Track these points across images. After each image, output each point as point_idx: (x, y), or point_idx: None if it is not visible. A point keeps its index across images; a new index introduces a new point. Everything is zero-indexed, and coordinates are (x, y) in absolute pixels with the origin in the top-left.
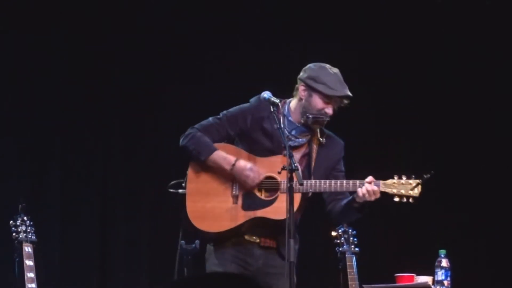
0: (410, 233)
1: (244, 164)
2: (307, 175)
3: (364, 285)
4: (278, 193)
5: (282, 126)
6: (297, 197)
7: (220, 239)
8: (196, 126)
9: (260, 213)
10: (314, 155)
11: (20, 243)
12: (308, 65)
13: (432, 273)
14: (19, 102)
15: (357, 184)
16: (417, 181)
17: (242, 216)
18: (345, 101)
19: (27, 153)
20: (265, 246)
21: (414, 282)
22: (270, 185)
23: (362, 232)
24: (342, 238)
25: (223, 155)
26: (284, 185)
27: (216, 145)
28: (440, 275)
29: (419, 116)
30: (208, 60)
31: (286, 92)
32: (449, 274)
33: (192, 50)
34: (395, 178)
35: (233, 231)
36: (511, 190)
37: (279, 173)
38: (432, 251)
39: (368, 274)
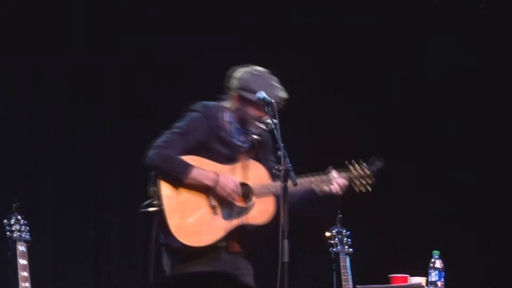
0: (404, 234)
1: (226, 181)
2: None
3: (357, 286)
4: (253, 198)
5: (278, 125)
6: (271, 201)
7: (197, 251)
8: (159, 143)
9: (241, 220)
10: (260, 154)
11: (14, 242)
12: (237, 71)
13: (425, 274)
14: (12, 102)
15: (320, 178)
16: (371, 167)
17: (225, 227)
18: (282, 103)
19: (21, 152)
20: (233, 252)
21: (408, 283)
22: (244, 191)
23: (356, 232)
24: (336, 239)
25: (202, 172)
26: (257, 189)
27: (186, 157)
28: (433, 276)
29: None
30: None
31: None
32: (442, 275)
33: (181, 53)
34: (352, 167)
35: (218, 242)
36: (505, 191)
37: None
38: (425, 252)
39: (362, 275)
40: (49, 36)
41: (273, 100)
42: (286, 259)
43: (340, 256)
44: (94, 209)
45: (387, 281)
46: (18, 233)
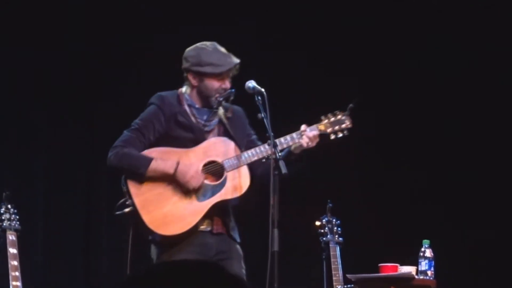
0: (394, 223)
1: (185, 168)
2: (238, 147)
3: (348, 275)
4: (225, 173)
5: (267, 115)
6: (245, 172)
7: (179, 238)
8: (117, 144)
9: (217, 197)
10: (229, 128)
11: (4, 231)
12: (186, 52)
13: (415, 263)
14: (3, 92)
15: (295, 136)
16: (345, 112)
17: (202, 207)
18: (237, 68)
19: (12, 141)
20: (217, 233)
21: (398, 272)
22: (213, 169)
23: (346, 222)
24: (326, 228)
25: (161, 162)
26: (227, 164)
27: (147, 151)
28: (423, 265)
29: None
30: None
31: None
32: (432, 264)
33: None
34: (324, 118)
35: (198, 225)
36: (495, 181)
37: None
38: (415, 241)
39: (352, 264)
40: (47, 35)
41: (263, 90)
42: (276, 248)
43: (330, 245)
44: (85, 198)
45: (377, 270)
46: (8, 222)
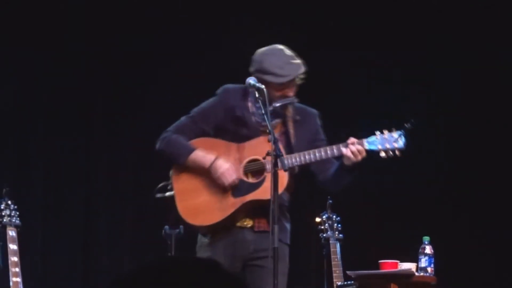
0: (394, 220)
1: (220, 163)
2: (288, 152)
3: (348, 272)
4: (265, 173)
5: (268, 111)
6: (284, 175)
7: (215, 231)
8: (169, 128)
9: (250, 196)
10: (292, 131)
11: (4, 227)
12: (256, 53)
13: (415, 259)
14: (3, 90)
15: (340, 147)
16: (399, 132)
17: (234, 203)
18: (301, 77)
19: (11, 137)
20: (259, 231)
21: (398, 269)
22: (255, 168)
23: (346, 218)
24: (326, 224)
25: (202, 154)
26: (268, 164)
27: (193, 141)
28: (423, 262)
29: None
30: (198, 55)
31: None
32: (432, 261)
33: (181, 44)
34: (377, 133)
35: (227, 220)
36: (495, 177)
37: (264, 158)
38: (415, 238)
39: (352, 261)
40: (47, 35)
41: (262, 86)
42: (276, 244)
43: (330, 242)
44: (84, 194)
45: (377, 266)
46: (8, 218)
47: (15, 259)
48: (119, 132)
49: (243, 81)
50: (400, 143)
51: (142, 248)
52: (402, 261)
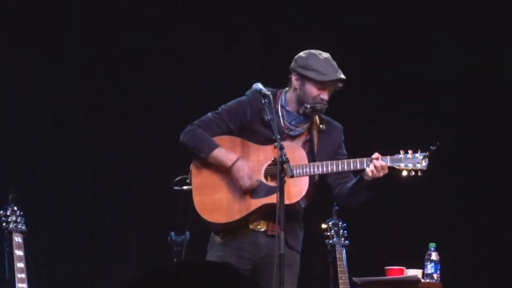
0: (400, 227)
1: (241, 165)
2: (311, 160)
3: (354, 278)
4: (285, 178)
5: (274, 117)
6: (304, 181)
7: (228, 230)
8: (195, 122)
9: (268, 199)
10: (315, 140)
11: (10, 233)
12: (299, 54)
13: (421, 266)
14: (6, 93)
15: (364, 161)
16: (424, 153)
17: (251, 205)
18: (340, 85)
19: (17, 143)
20: (272, 235)
21: (404, 275)
22: (275, 171)
23: (352, 225)
24: (332, 231)
25: (224, 152)
26: (289, 169)
27: (218, 138)
28: (429, 268)
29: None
30: (198, 54)
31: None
32: (438, 268)
33: (181, 44)
34: (401, 152)
35: (242, 221)
36: (500, 184)
37: (270, 165)
38: (422, 245)
39: (358, 267)
40: (47, 35)
41: (269, 93)
42: (282, 251)
43: (336, 248)
44: (89, 200)
45: (383, 273)
46: (14, 224)
47: (21, 265)
48: (120, 133)
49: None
50: (424, 164)
51: (148, 252)
52: (408, 267)
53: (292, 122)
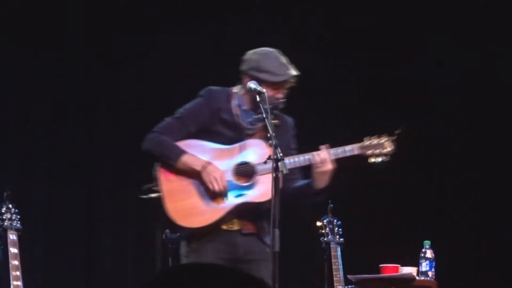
0: (395, 224)
1: (212, 169)
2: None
3: (348, 276)
4: (256, 176)
5: (268, 115)
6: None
7: (203, 233)
8: (156, 129)
9: (241, 199)
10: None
11: (5, 230)
12: (247, 54)
13: (416, 264)
14: (5, 91)
15: (307, 156)
16: (390, 137)
17: (225, 206)
18: (293, 81)
19: (13, 140)
20: (247, 233)
21: (399, 273)
22: (245, 170)
23: (347, 222)
24: (327, 229)
25: (193, 157)
26: (258, 167)
27: (182, 142)
28: (424, 266)
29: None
30: (198, 54)
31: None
32: (433, 265)
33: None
34: (366, 139)
35: (217, 223)
36: (495, 181)
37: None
38: (416, 242)
39: (353, 265)
40: (47, 35)
41: (264, 90)
42: (277, 249)
43: (331, 246)
44: (86, 198)
45: (378, 271)
46: (9, 222)
47: (16, 262)
48: (119, 132)
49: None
50: (389, 148)
51: (145, 250)
52: (403, 265)
53: (250, 120)
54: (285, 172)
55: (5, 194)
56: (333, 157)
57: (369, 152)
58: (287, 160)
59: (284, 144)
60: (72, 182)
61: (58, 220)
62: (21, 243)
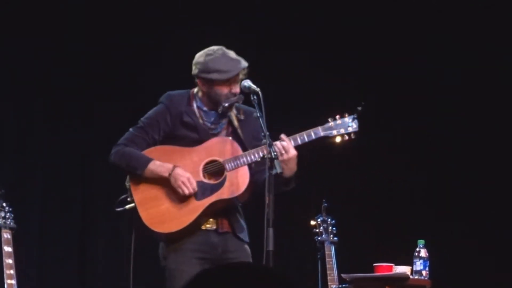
0: (389, 223)
1: (179, 173)
2: (242, 149)
3: (342, 275)
4: (225, 173)
5: (263, 114)
6: (245, 171)
7: (180, 236)
8: (120, 141)
9: (214, 197)
10: (239, 131)
11: None
12: (195, 58)
13: (410, 263)
14: (1, 90)
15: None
16: (353, 115)
17: (198, 206)
18: (244, 72)
19: (7, 139)
20: (223, 232)
21: (393, 272)
22: (214, 169)
23: (341, 221)
24: (321, 228)
25: (159, 164)
26: (227, 164)
27: (147, 151)
28: (418, 265)
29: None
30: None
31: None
32: (427, 264)
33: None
34: (330, 119)
35: (194, 224)
36: (489, 181)
37: (207, 163)
38: (410, 241)
39: (347, 264)
40: (47, 35)
41: (258, 89)
42: (271, 247)
43: (325, 244)
44: (81, 197)
45: (372, 270)
46: (3, 220)
47: (9, 261)
48: (118, 133)
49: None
50: (354, 126)
51: (140, 250)
52: (397, 264)
53: (212, 120)
54: (278, 171)
55: None
56: (296, 143)
57: (335, 132)
58: (256, 153)
59: (253, 135)
60: (67, 181)
61: (52, 219)
62: (15, 242)
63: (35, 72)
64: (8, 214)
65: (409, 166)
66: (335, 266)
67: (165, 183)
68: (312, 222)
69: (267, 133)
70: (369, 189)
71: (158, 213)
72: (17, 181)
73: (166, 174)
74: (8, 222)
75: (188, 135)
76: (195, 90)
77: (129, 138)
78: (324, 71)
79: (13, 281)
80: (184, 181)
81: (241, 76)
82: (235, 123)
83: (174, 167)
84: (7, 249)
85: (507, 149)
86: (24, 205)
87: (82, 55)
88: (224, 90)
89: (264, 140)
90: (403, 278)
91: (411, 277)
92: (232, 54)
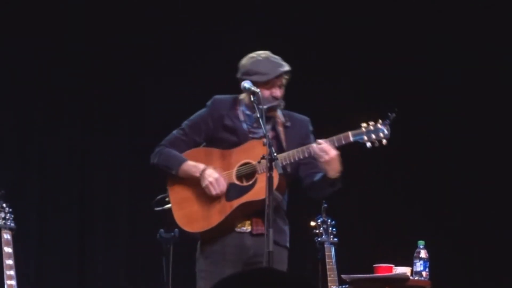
0: (389, 224)
1: (208, 173)
2: None
3: (342, 275)
4: (256, 175)
5: (263, 114)
6: (275, 174)
7: (212, 237)
8: (162, 142)
9: (244, 198)
10: (282, 136)
11: None
12: (240, 61)
13: (410, 264)
14: (1, 91)
15: (305, 149)
16: (385, 122)
17: (228, 207)
18: (286, 76)
19: (7, 139)
20: (257, 234)
21: (393, 273)
22: (247, 171)
23: (341, 222)
24: (321, 228)
25: (192, 164)
26: (259, 166)
27: (186, 152)
28: (418, 266)
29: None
30: (198, 54)
31: None
32: (427, 265)
33: (176, 42)
34: (362, 125)
35: (224, 225)
36: (488, 182)
37: (259, 162)
38: (410, 242)
39: (347, 265)
40: (47, 35)
41: (257, 90)
42: (271, 248)
43: (325, 245)
44: (80, 197)
45: (372, 270)
46: (3, 221)
47: (9, 262)
48: (117, 133)
49: (234, 88)
50: (386, 132)
51: (138, 250)
52: (397, 265)
53: (254, 125)
54: (279, 172)
55: None
56: (334, 145)
57: (365, 137)
58: (285, 154)
59: (297, 142)
60: (66, 181)
61: (52, 219)
62: (15, 242)
63: (35, 72)
64: (8, 214)
65: (409, 166)
66: (335, 267)
67: (198, 184)
68: (312, 223)
69: (267, 134)
70: (369, 189)
71: (189, 213)
72: (17, 181)
73: (197, 174)
74: (8, 223)
75: (228, 138)
76: (242, 95)
77: (170, 139)
78: (324, 71)
79: (13, 282)
80: (212, 182)
81: (284, 81)
82: (279, 128)
83: (205, 167)
84: (7, 250)
85: (507, 149)
86: (24, 205)
87: (82, 55)
88: (265, 92)
89: (264, 140)
90: (403, 279)
91: (411, 278)
92: (275, 58)
